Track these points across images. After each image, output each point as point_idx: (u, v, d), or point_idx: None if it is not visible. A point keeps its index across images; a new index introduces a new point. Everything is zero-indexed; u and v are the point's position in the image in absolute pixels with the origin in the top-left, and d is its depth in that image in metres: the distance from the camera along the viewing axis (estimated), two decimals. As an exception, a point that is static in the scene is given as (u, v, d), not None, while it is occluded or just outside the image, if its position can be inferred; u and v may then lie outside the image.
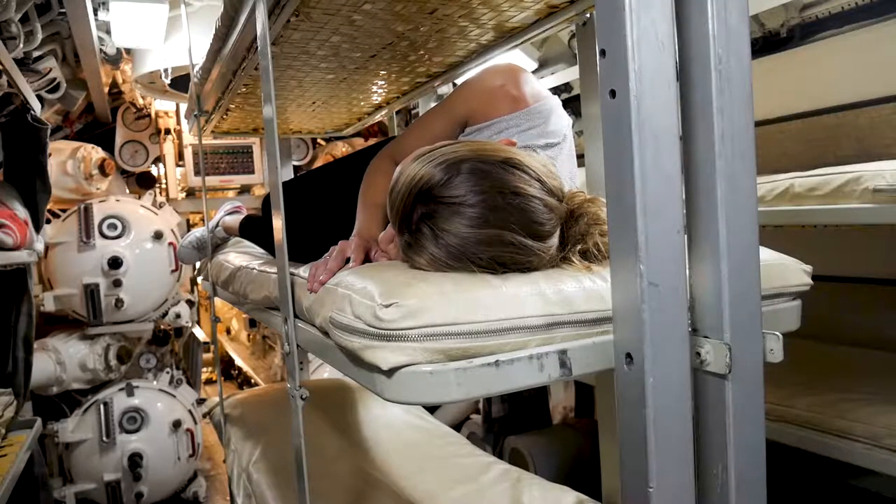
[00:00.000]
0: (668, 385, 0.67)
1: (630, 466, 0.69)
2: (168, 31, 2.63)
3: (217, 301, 2.35)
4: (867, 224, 1.51)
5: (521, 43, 1.40)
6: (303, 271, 1.02)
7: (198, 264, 2.82)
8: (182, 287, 3.49)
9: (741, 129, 0.70)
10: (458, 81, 2.71)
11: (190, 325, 3.60)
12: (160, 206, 3.46)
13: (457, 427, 3.25)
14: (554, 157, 1.15)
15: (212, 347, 4.52)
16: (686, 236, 0.72)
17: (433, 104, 2.95)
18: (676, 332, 0.68)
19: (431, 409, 3.14)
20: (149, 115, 3.59)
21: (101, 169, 3.20)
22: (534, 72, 2.58)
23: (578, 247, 0.86)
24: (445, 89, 2.94)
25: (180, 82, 3.04)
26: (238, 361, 5.15)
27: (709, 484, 0.73)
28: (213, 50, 1.59)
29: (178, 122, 3.61)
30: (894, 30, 1.75)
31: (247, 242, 1.97)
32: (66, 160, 3.12)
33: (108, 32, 2.54)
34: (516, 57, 2.37)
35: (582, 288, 0.80)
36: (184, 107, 3.28)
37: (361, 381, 0.79)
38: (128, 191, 3.62)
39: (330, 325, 0.81)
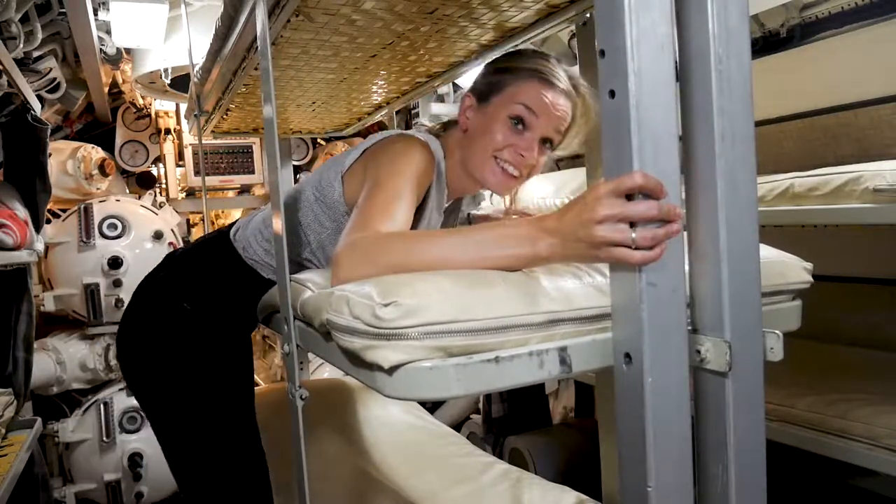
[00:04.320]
0: (667, 385, 0.67)
1: (629, 466, 0.69)
2: (168, 31, 2.63)
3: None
4: (867, 224, 1.51)
5: (521, 43, 1.40)
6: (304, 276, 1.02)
7: None
8: (182, 287, 3.49)
9: (741, 129, 0.70)
10: (458, 82, 2.71)
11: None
12: (160, 206, 3.46)
13: (457, 427, 3.25)
14: None
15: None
16: (686, 236, 0.72)
17: (433, 104, 2.95)
18: (675, 331, 0.68)
19: (431, 408, 3.15)
20: (149, 115, 3.59)
21: (101, 169, 3.20)
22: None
23: None
24: (445, 89, 2.94)
25: (180, 82, 3.04)
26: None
27: (709, 484, 0.73)
28: (213, 50, 1.59)
29: (178, 122, 3.61)
30: (894, 30, 1.75)
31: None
32: (66, 160, 3.12)
33: (108, 32, 2.54)
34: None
35: (582, 284, 0.80)
36: (184, 107, 3.28)
37: (362, 379, 0.80)
38: (128, 191, 3.62)
39: (329, 328, 0.81)
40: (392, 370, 0.71)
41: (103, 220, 3.16)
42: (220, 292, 1.39)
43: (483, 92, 1.21)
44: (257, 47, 1.08)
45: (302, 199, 1.30)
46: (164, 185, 3.76)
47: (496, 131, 1.15)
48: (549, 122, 1.15)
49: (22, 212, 2.41)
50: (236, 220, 1.49)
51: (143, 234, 3.20)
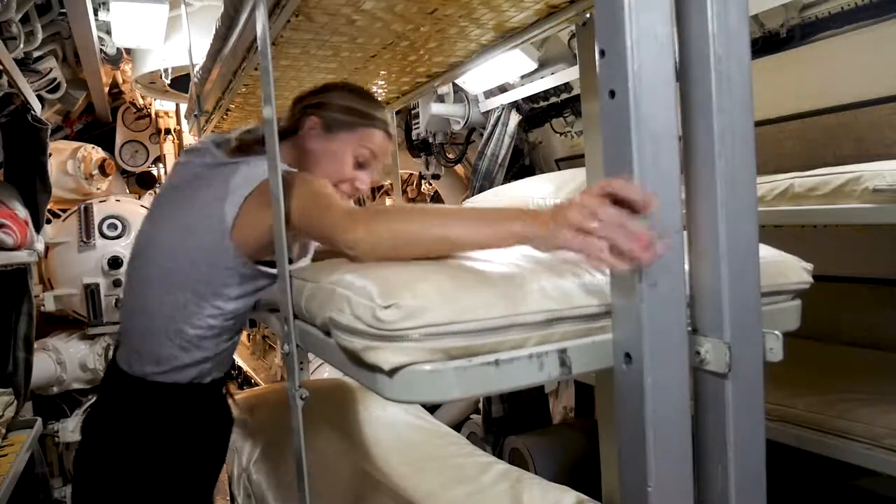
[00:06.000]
0: (667, 385, 0.67)
1: (629, 466, 0.69)
2: (168, 31, 2.63)
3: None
4: (867, 224, 1.51)
5: (521, 43, 1.40)
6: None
7: None
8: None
9: (741, 129, 0.70)
10: (458, 82, 2.70)
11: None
12: (160, 206, 3.46)
13: (457, 427, 3.25)
14: None
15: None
16: (686, 236, 0.72)
17: (433, 104, 2.95)
18: (675, 331, 0.68)
19: (431, 409, 3.15)
20: (149, 115, 3.59)
21: (102, 169, 3.20)
22: (534, 72, 2.58)
23: None
24: (446, 89, 2.94)
25: (180, 82, 3.04)
26: (238, 361, 5.15)
27: (709, 484, 0.73)
28: (213, 50, 1.59)
29: (179, 122, 3.61)
30: (894, 30, 1.74)
31: None
32: (66, 160, 3.13)
33: (109, 32, 2.54)
34: (516, 57, 2.37)
35: (581, 282, 0.80)
36: (184, 107, 3.28)
37: (362, 381, 0.79)
38: (128, 191, 3.62)
39: (330, 326, 0.81)
40: (392, 372, 0.71)
41: (103, 220, 3.16)
42: (165, 441, 1.29)
43: (331, 124, 1.32)
44: (257, 47, 1.08)
45: (166, 261, 1.22)
46: (164, 185, 3.76)
47: (342, 164, 1.30)
48: (382, 163, 1.37)
49: (22, 212, 2.42)
50: (112, 358, 1.36)
51: (143, 234, 3.20)
